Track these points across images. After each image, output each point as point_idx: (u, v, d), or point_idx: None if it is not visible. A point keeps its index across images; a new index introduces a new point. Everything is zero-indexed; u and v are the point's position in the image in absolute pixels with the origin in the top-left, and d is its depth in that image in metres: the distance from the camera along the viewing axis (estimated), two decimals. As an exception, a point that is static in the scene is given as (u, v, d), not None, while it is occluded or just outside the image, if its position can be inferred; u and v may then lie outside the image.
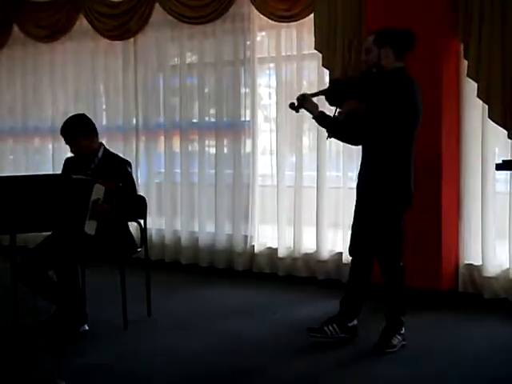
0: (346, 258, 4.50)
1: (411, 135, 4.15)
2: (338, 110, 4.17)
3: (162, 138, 7.00)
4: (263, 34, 6.54)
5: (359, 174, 4.36)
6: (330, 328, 4.35)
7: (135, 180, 4.98)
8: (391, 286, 4.28)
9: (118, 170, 4.70)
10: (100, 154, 4.76)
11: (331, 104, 4.24)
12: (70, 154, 4.88)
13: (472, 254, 5.43)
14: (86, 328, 4.61)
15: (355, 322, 4.40)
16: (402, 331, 4.25)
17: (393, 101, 4.03)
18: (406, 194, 4.19)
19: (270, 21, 6.17)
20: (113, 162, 4.76)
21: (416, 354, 4.18)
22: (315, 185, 6.02)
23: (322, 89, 4.53)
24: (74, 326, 4.54)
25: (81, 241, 4.44)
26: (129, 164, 4.87)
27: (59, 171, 4.94)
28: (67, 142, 4.75)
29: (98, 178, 4.34)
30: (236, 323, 4.92)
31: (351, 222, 4.39)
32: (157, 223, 6.95)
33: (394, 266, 4.26)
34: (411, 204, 4.24)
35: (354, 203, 4.39)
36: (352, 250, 4.38)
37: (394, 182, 4.15)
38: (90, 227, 4.35)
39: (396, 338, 4.19)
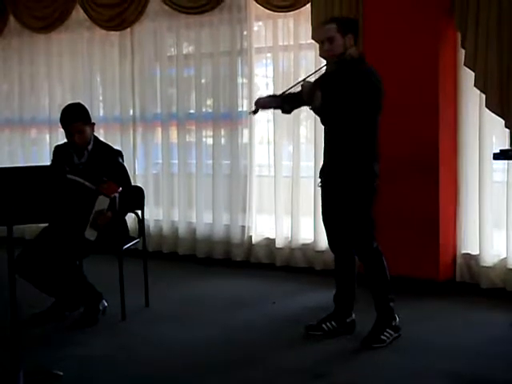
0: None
1: (377, 120, 4.12)
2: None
3: (159, 128, 6.99)
4: (260, 23, 6.51)
5: (322, 168, 4.31)
6: (328, 325, 4.34)
7: (131, 171, 4.96)
8: (371, 270, 4.19)
9: (110, 163, 4.66)
10: (90, 146, 4.67)
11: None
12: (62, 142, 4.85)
13: (469, 244, 5.44)
14: (105, 304, 4.72)
15: (353, 316, 4.37)
16: (395, 322, 4.17)
17: (364, 87, 3.99)
18: (370, 177, 4.10)
19: (266, 11, 6.15)
20: (104, 155, 4.69)
21: (414, 344, 4.18)
22: (312, 175, 6.02)
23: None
24: (93, 306, 4.63)
25: (79, 240, 4.46)
26: (120, 155, 4.81)
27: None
28: (71, 130, 4.59)
29: (98, 183, 4.34)
30: (234, 313, 4.93)
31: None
32: (154, 214, 6.95)
33: (369, 249, 4.15)
34: (377, 187, 4.15)
35: (321, 198, 4.33)
36: (332, 245, 4.36)
37: (358, 167, 4.09)
38: (91, 234, 4.41)
39: (386, 333, 4.11)
